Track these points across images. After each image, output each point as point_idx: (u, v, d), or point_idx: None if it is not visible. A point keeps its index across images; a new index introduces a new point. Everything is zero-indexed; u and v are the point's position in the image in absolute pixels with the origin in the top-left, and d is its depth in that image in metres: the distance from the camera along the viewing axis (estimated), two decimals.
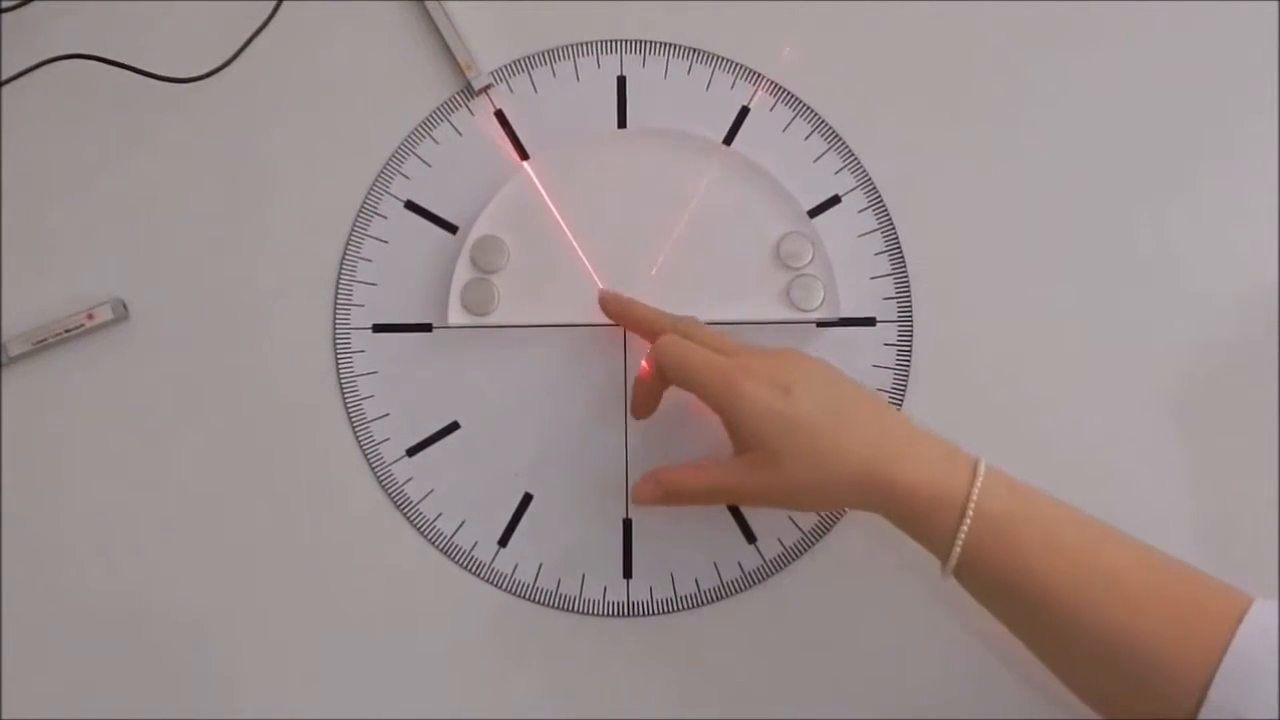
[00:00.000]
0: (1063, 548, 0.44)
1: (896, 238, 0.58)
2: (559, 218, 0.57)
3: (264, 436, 0.57)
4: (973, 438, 0.57)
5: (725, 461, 0.49)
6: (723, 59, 0.59)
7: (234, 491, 0.57)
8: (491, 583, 0.57)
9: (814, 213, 0.58)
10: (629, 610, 0.56)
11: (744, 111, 0.59)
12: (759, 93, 0.59)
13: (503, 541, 0.57)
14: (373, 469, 0.57)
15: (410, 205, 0.58)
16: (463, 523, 0.57)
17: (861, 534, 0.56)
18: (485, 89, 0.59)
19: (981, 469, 0.46)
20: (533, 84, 0.59)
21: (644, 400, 0.54)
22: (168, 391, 0.58)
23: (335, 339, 0.58)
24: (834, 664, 0.56)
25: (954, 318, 0.57)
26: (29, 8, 0.59)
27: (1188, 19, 0.59)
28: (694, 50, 0.59)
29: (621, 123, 0.59)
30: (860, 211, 0.58)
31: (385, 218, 0.58)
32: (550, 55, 0.59)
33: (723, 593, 0.56)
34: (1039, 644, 0.46)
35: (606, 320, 0.57)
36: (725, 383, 0.47)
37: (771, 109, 0.59)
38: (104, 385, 0.57)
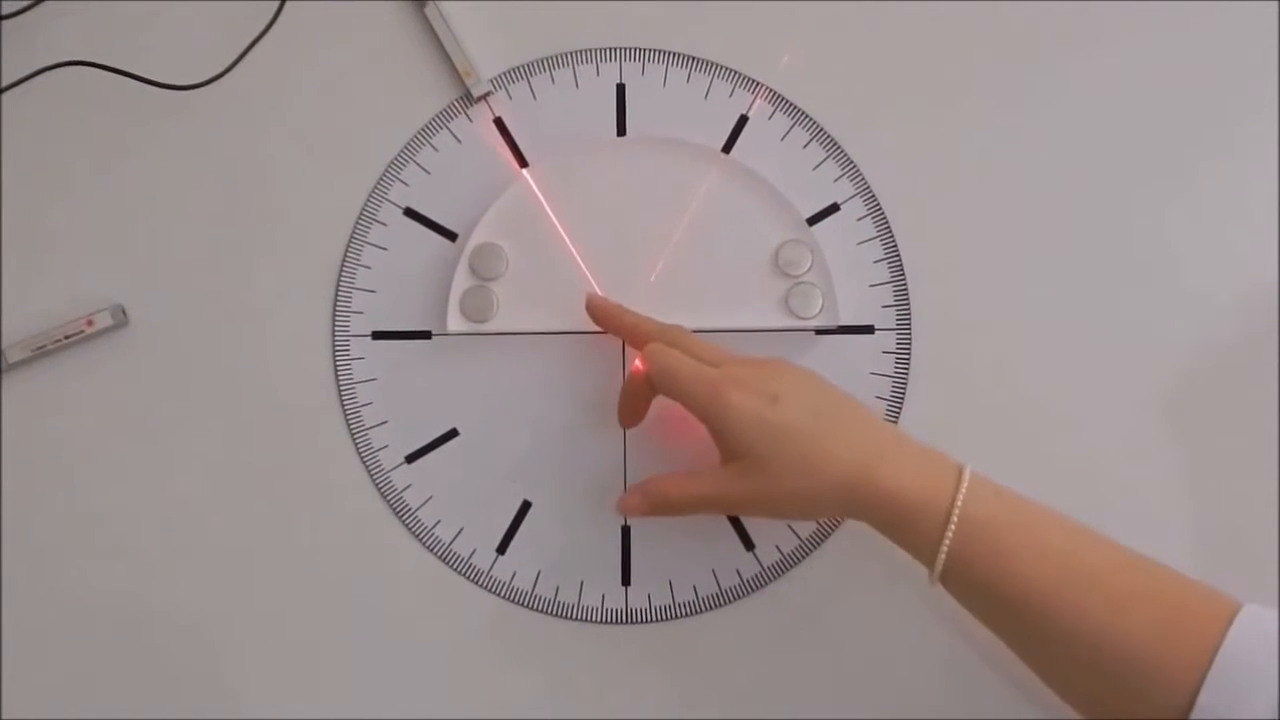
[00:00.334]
0: (1047, 551, 0.44)
1: (895, 245, 0.58)
2: (558, 225, 0.57)
3: (263, 442, 0.57)
4: (972, 444, 0.57)
5: (713, 471, 0.49)
6: (722, 67, 0.59)
7: (233, 497, 0.57)
8: (490, 590, 0.57)
9: (813, 220, 0.58)
10: (627, 617, 0.57)
11: (743, 119, 0.59)
12: (758, 101, 0.59)
13: (501, 548, 0.57)
14: (371, 476, 0.57)
15: (409, 212, 0.58)
16: (461, 529, 0.57)
17: (859, 541, 0.56)
18: (484, 96, 0.59)
19: (966, 474, 0.46)
20: (532, 91, 0.59)
21: (631, 409, 0.54)
22: (167, 397, 0.58)
23: (334, 346, 0.58)
24: (832, 670, 0.56)
25: (953, 325, 0.57)
26: (30, 13, 0.59)
27: (1188, 19, 0.59)
28: (693, 58, 0.59)
29: (621, 130, 0.59)
30: (859, 219, 0.58)
31: (384, 225, 0.58)
32: (549, 62, 0.59)
33: (721, 600, 0.56)
34: (1026, 649, 0.46)
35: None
36: (712, 392, 0.48)
37: (770, 117, 0.59)
38: (103, 391, 0.58)
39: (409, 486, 0.57)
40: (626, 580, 0.57)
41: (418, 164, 0.59)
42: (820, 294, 0.57)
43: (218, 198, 0.59)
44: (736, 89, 0.59)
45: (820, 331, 0.57)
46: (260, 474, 0.57)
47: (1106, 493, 0.56)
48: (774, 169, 0.58)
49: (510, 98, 0.59)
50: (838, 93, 0.59)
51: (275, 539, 0.57)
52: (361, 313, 0.58)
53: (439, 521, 0.57)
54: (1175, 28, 0.59)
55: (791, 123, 0.59)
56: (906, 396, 0.57)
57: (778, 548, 0.56)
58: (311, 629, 0.57)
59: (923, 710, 0.55)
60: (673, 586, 0.56)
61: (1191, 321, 0.57)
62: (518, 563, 0.57)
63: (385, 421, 0.57)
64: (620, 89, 0.59)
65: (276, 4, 0.59)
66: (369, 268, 0.58)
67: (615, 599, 0.56)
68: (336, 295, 0.58)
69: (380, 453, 0.57)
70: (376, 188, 0.59)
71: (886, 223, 0.58)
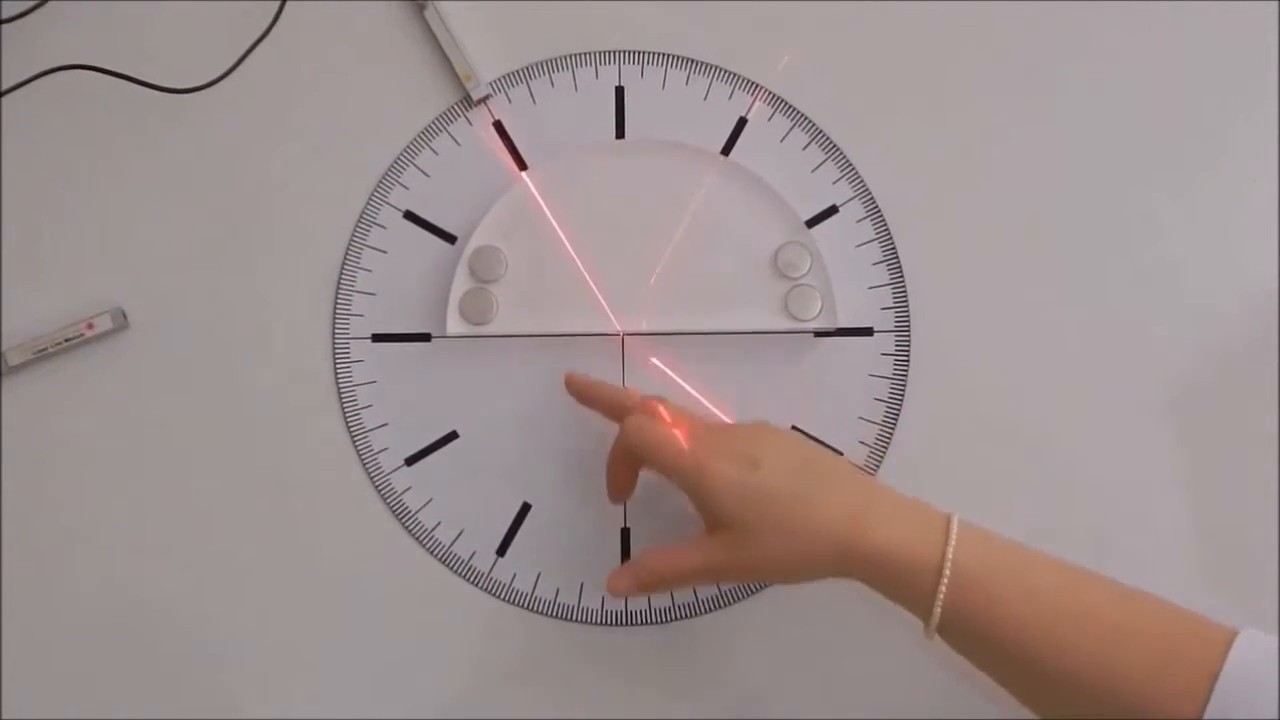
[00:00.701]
0: (1035, 591, 0.44)
1: (894, 247, 0.58)
2: (557, 228, 0.58)
3: (263, 445, 0.57)
4: (970, 447, 0.57)
5: (700, 543, 0.49)
6: (720, 69, 0.59)
7: (233, 500, 0.57)
8: (490, 592, 0.57)
9: (812, 222, 0.58)
10: (627, 619, 0.57)
11: (742, 122, 0.59)
12: (757, 103, 0.59)
13: (501, 551, 0.57)
14: (371, 478, 0.57)
15: (409, 215, 0.59)
16: (461, 532, 0.57)
17: None
18: (484, 99, 0.59)
19: (955, 525, 0.45)
20: (531, 95, 0.59)
21: (618, 482, 0.54)
22: (167, 400, 0.58)
23: (334, 348, 0.58)
24: (831, 671, 0.56)
25: (951, 327, 0.58)
26: (31, 17, 0.59)
27: (1187, 20, 0.59)
28: (692, 61, 0.59)
29: (620, 133, 0.59)
30: (858, 221, 0.58)
31: (384, 228, 0.58)
32: (549, 66, 0.59)
33: (720, 602, 0.56)
34: (1027, 694, 0.45)
35: (605, 330, 0.57)
36: (693, 463, 0.47)
37: (769, 119, 0.59)
38: (104, 394, 0.58)
39: (409, 489, 0.57)
40: None
41: (417, 167, 0.59)
42: (819, 296, 0.57)
43: (218, 201, 0.59)
44: (735, 91, 0.59)
45: (819, 333, 0.57)
46: (260, 477, 0.57)
47: (1106, 495, 0.56)
48: (773, 171, 0.58)
49: (510, 101, 0.59)
50: (837, 95, 0.59)
51: (275, 541, 0.57)
52: (361, 315, 0.58)
53: (439, 524, 0.57)
54: (1175, 29, 0.59)
55: (791, 125, 0.59)
56: (905, 398, 0.57)
57: None
58: (311, 631, 0.57)
59: (922, 710, 0.56)
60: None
61: (1191, 323, 0.57)
62: (518, 565, 0.57)
63: (385, 424, 0.57)
64: (619, 92, 0.59)
65: (276, 7, 0.59)
66: (369, 271, 0.58)
67: (615, 601, 0.57)
68: (336, 298, 0.58)
69: (380, 455, 0.57)
70: (376, 191, 0.59)
71: (885, 225, 0.58)
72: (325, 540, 0.57)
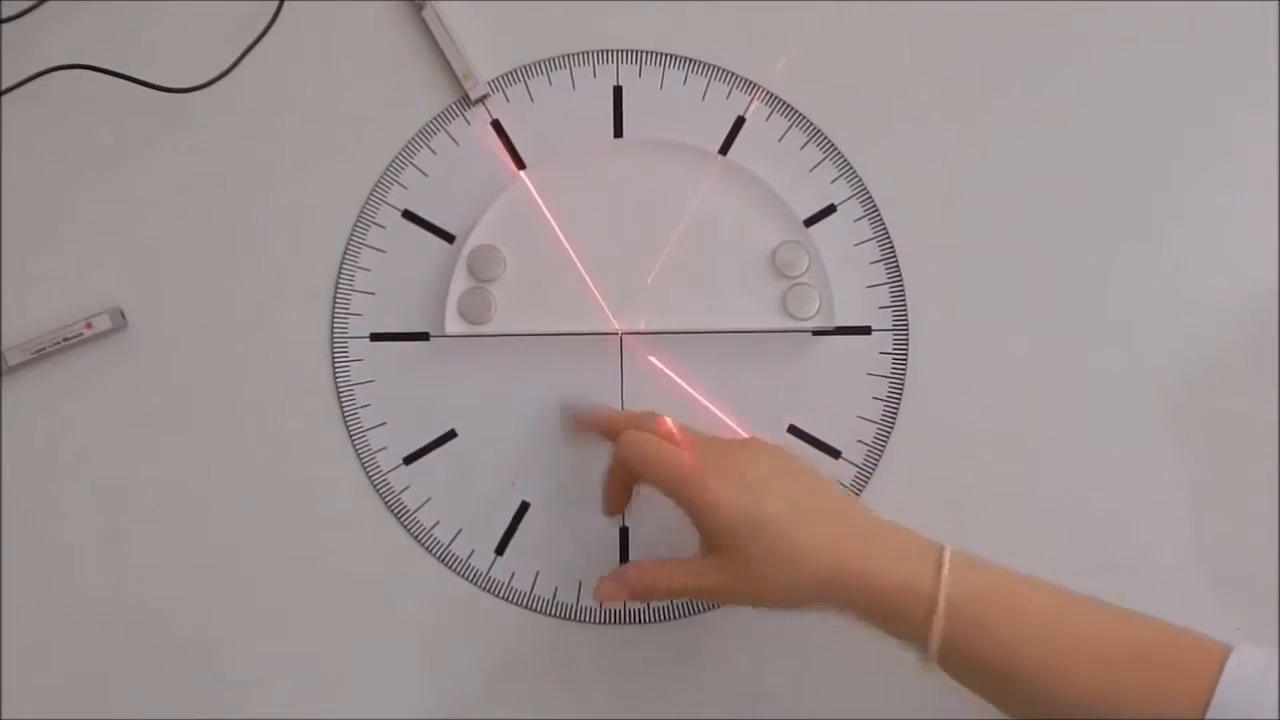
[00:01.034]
0: (1024, 614, 0.44)
1: (892, 246, 0.58)
2: (555, 227, 0.58)
3: (261, 444, 0.58)
4: (968, 446, 0.57)
5: (694, 561, 0.49)
6: (718, 69, 0.59)
7: (231, 499, 0.57)
8: (488, 591, 0.57)
9: (810, 222, 0.58)
10: (625, 618, 0.57)
11: (740, 121, 0.59)
12: (755, 102, 0.59)
13: (500, 550, 0.57)
14: (370, 477, 0.57)
15: (408, 215, 0.59)
16: (460, 531, 0.57)
17: None
18: (482, 99, 0.59)
19: (947, 556, 0.45)
20: (529, 94, 0.59)
21: (614, 498, 0.54)
22: (166, 400, 0.58)
23: (333, 348, 0.58)
24: (830, 670, 0.56)
25: (949, 326, 0.58)
26: (29, 16, 0.59)
27: (1187, 21, 0.59)
28: (690, 60, 0.59)
29: (618, 132, 0.59)
30: (856, 220, 0.58)
31: (383, 227, 0.59)
32: (547, 65, 0.59)
33: None
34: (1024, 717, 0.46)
35: (603, 329, 0.57)
36: (693, 481, 0.47)
37: (767, 118, 0.59)
38: (102, 394, 0.58)
39: (407, 488, 0.57)
40: None
41: (416, 166, 0.59)
42: (817, 295, 0.57)
43: (216, 201, 0.59)
44: (733, 90, 0.59)
45: (817, 332, 0.57)
46: (258, 476, 0.57)
47: (1105, 495, 0.56)
48: (771, 170, 0.58)
49: (508, 100, 0.59)
50: (835, 94, 0.59)
51: (274, 540, 0.57)
52: (360, 315, 0.58)
53: (437, 523, 0.57)
54: (1174, 30, 0.59)
55: (788, 124, 0.59)
56: (903, 397, 0.57)
57: None
58: (310, 630, 0.57)
59: (922, 710, 0.55)
60: None
61: (1190, 324, 0.57)
62: (516, 564, 0.57)
63: (384, 423, 0.58)
64: (617, 91, 0.59)
65: (274, 7, 0.59)
66: (367, 270, 0.58)
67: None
68: (335, 297, 0.58)
69: (379, 454, 0.57)
70: (374, 190, 0.59)
71: (883, 224, 0.58)
72: (323, 539, 0.57)
